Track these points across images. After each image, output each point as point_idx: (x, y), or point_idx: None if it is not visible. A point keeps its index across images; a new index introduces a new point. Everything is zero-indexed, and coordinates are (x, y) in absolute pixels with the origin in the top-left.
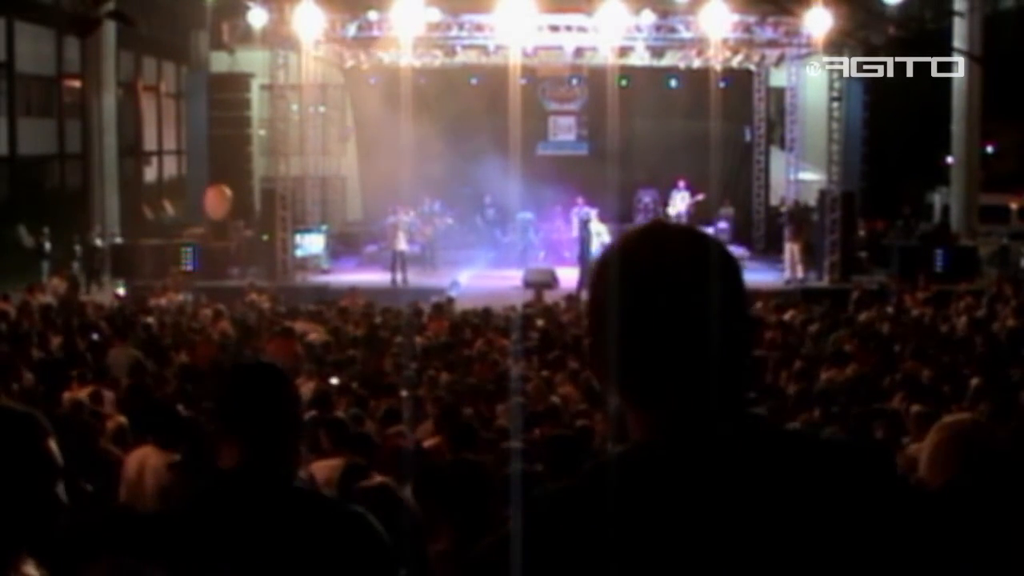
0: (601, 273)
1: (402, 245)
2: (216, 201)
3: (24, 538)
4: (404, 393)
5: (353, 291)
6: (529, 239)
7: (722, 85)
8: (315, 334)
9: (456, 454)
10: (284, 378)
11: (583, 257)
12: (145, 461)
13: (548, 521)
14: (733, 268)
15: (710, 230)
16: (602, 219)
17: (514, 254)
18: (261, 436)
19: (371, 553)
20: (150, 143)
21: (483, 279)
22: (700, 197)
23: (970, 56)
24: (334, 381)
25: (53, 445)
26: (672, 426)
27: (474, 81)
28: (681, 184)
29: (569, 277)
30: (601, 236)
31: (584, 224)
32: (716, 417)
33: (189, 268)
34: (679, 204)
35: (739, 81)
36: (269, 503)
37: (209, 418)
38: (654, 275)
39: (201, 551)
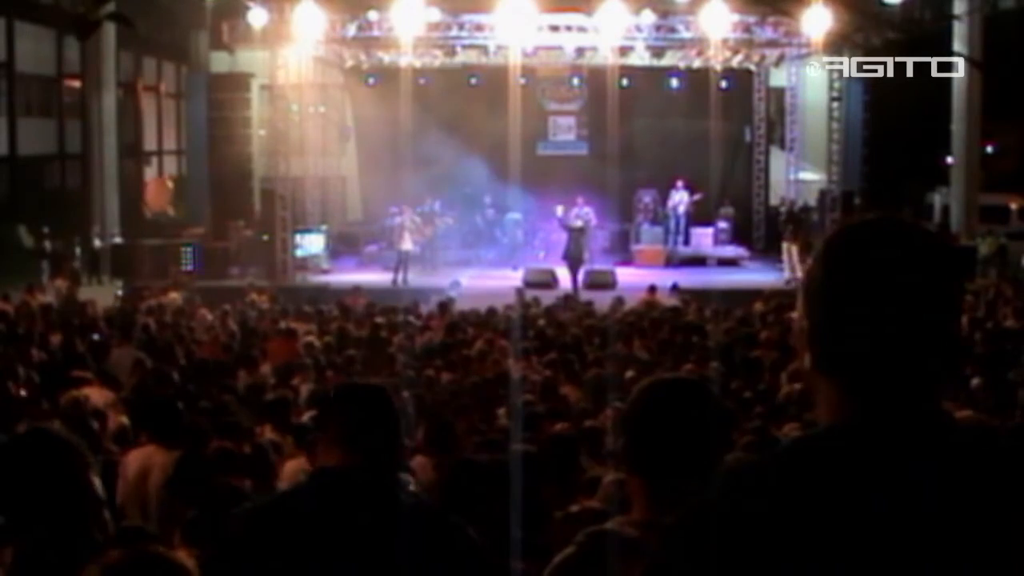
0: (834, 254)
1: (407, 245)
2: (157, 192)
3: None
4: (405, 394)
5: (356, 290)
6: (518, 239)
7: (722, 85)
8: (312, 335)
9: (438, 456)
10: (389, 399)
11: (567, 255)
12: (149, 460)
13: (749, 493)
14: (961, 270)
15: (710, 230)
16: (601, 219)
17: (506, 254)
18: (373, 447)
19: (469, 563)
20: (150, 143)
21: (483, 279)
22: (699, 196)
23: (970, 60)
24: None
25: (96, 479)
26: (876, 411)
27: (474, 81)
28: (680, 184)
29: (568, 277)
30: (581, 229)
31: (570, 222)
32: (917, 408)
33: (189, 268)
34: (678, 204)
35: (739, 81)
36: (376, 506)
37: (313, 426)
38: (893, 262)
39: (308, 546)
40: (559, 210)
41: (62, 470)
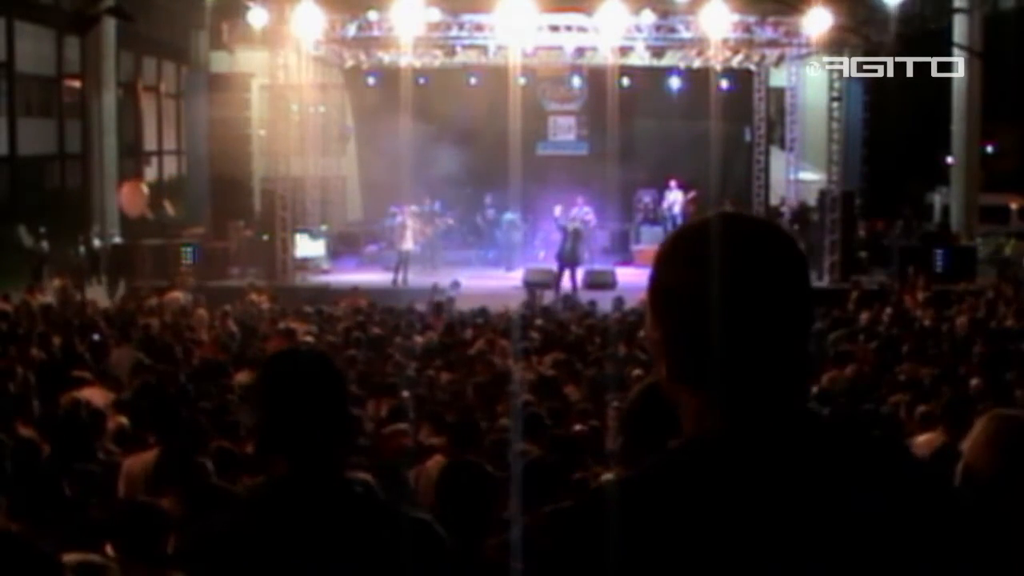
0: (677, 255)
1: (408, 245)
2: (132, 196)
3: None
4: (405, 393)
5: (355, 291)
6: (512, 240)
7: (722, 85)
8: (311, 336)
9: (457, 455)
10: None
11: (560, 255)
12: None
13: (617, 511)
14: (805, 263)
15: None
16: (601, 219)
17: (501, 255)
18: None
19: (434, 562)
20: (150, 143)
21: (483, 279)
22: (692, 195)
23: (970, 51)
24: None
25: None
26: (739, 417)
27: (474, 81)
28: (673, 184)
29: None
30: (573, 226)
31: (565, 223)
32: (781, 410)
33: (190, 262)
34: (673, 203)
35: (739, 81)
36: (325, 508)
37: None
38: (740, 260)
39: (257, 558)
40: (557, 210)
41: None
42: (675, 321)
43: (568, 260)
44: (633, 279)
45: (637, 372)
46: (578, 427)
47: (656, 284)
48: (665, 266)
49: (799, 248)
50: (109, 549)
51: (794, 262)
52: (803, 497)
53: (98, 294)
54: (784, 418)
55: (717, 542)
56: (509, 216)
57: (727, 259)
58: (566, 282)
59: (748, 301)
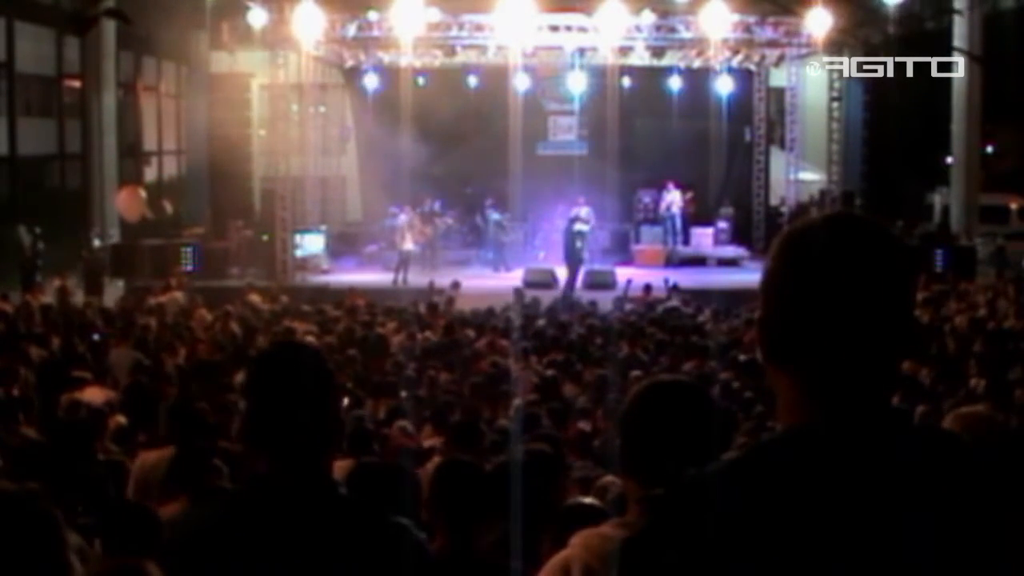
0: (794, 249)
1: (409, 245)
2: (129, 202)
3: None
4: (403, 393)
5: (352, 291)
6: (502, 240)
7: (722, 85)
8: (311, 335)
9: (455, 455)
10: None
11: (568, 256)
12: (161, 464)
13: (713, 499)
14: (909, 265)
15: (710, 230)
16: (601, 219)
17: (496, 255)
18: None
19: (412, 568)
20: (150, 143)
21: (483, 279)
22: (690, 195)
23: (970, 55)
24: None
25: (73, 560)
26: (834, 411)
27: (474, 81)
28: (670, 185)
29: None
30: (583, 233)
31: (571, 222)
32: (876, 406)
33: (189, 268)
34: (671, 204)
35: (739, 81)
36: (304, 508)
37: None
38: (853, 258)
39: (232, 555)
40: (575, 210)
41: (37, 550)
42: (775, 306)
43: (578, 261)
44: (633, 279)
45: (635, 373)
46: (572, 428)
47: (765, 272)
48: (773, 257)
49: (908, 248)
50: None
51: (902, 260)
52: (893, 495)
53: (98, 294)
54: (878, 414)
55: (813, 534)
56: (496, 216)
57: (840, 252)
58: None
59: (854, 294)
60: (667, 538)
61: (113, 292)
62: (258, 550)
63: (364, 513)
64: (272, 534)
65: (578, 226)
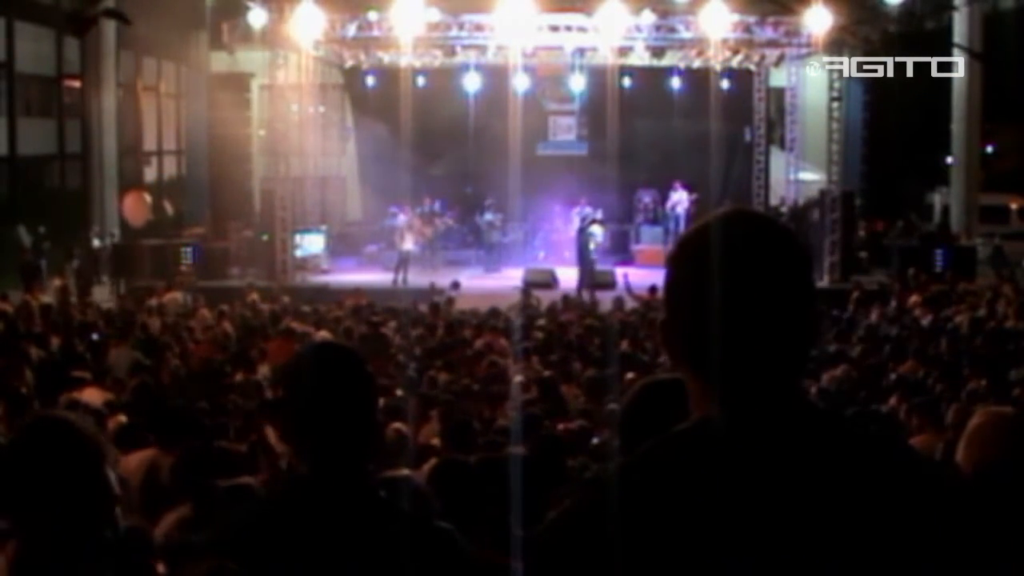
0: (683, 251)
1: (409, 245)
2: (135, 207)
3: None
4: (399, 392)
5: (357, 291)
6: (494, 241)
7: (722, 85)
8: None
9: (449, 453)
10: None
11: (581, 258)
12: (156, 463)
13: (616, 496)
14: (808, 259)
15: None
16: (601, 219)
17: (488, 256)
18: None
19: (455, 573)
20: (150, 143)
21: (483, 279)
22: (696, 196)
23: (970, 52)
24: None
25: (111, 473)
26: (735, 404)
27: (474, 81)
28: (677, 185)
29: (569, 277)
30: (596, 237)
31: (583, 225)
32: (777, 399)
33: (189, 263)
34: (676, 204)
35: (739, 81)
36: (346, 511)
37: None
38: (738, 255)
39: (272, 557)
40: (586, 210)
41: (77, 463)
42: (677, 307)
43: (590, 263)
44: (633, 279)
45: (630, 375)
46: (562, 426)
47: (666, 275)
48: (672, 259)
49: (797, 241)
50: None
51: (790, 254)
52: (795, 484)
53: (98, 294)
54: (779, 407)
55: (710, 526)
56: (488, 217)
57: (724, 250)
58: (567, 282)
59: (742, 290)
60: (565, 534)
61: (100, 292)
62: (304, 554)
63: (409, 518)
64: (318, 538)
65: (593, 228)
